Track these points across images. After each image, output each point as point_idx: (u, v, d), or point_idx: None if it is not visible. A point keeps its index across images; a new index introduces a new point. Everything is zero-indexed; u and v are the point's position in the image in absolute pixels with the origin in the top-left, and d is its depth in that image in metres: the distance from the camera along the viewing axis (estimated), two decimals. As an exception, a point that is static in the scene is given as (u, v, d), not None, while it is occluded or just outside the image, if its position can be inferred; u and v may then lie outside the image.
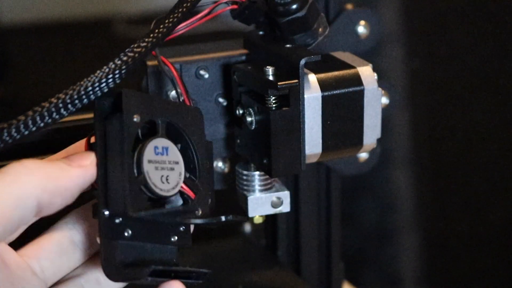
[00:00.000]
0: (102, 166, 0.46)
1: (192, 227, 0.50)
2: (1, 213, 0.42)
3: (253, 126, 0.55)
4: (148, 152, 0.46)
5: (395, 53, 1.19)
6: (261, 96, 0.53)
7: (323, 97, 0.54)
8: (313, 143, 0.55)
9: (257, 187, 0.57)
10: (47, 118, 0.45)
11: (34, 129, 0.45)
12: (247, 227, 0.72)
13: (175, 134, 0.49)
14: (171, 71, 0.51)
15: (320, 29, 0.57)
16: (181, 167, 0.48)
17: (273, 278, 0.66)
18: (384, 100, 0.63)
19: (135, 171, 0.46)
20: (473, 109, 1.22)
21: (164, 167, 0.47)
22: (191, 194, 0.49)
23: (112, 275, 0.46)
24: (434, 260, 1.24)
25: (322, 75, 0.55)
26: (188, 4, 0.51)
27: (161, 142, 0.48)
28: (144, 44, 0.49)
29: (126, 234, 0.46)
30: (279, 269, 0.67)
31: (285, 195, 0.58)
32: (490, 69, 1.21)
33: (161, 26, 0.50)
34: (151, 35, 0.49)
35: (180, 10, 0.51)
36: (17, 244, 0.48)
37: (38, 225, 0.48)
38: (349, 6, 0.61)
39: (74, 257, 0.49)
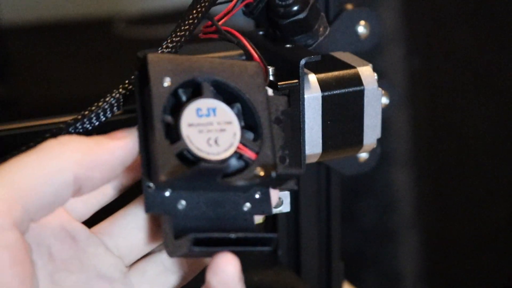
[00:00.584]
0: (143, 137, 0.44)
1: (274, 194, 0.46)
2: (34, 188, 0.41)
3: (253, 126, 0.55)
4: (188, 116, 0.44)
5: (395, 53, 1.19)
6: (261, 96, 0.53)
7: (323, 97, 0.54)
8: (313, 143, 0.54)
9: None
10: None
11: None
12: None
13: (229, 93, 0.46)
14: (235, 35, 0.49)
15: (321, 30, 0.57)
16: (235, 127, 0.45)
17: (273, 278, 0.66)
18: (384, 100, 0.63)
19: (174, 137, 0.43)
20: (473, 109, 1.22)
21: (211, 129, 0.44)
22: (250, 154, 0.45)
23: (168, 250, 0.44)
24: (434, 260, 1.24)
25: (322, 75, 0.55)
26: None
27: (206, 103, 0.45)
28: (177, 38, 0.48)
29: (179, 206, 0.44)
30: (279, 269, 0.67)
31: (285, 195, 0.58)
32: (490, 69, 1.21)
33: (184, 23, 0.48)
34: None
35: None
36: (92, 223, 0.47)
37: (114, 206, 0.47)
38: (349, 6, 0.61)
39: (152, 234, 0.47)
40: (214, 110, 0.45)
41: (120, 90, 0.47)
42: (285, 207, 0.58)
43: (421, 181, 1.23)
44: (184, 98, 0.45)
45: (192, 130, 0.44)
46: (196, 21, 0.47)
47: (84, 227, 0.46)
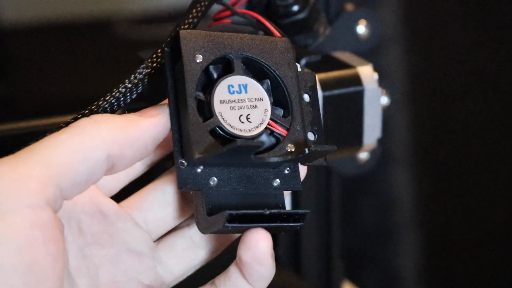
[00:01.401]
0: (174, 114, 0.44)
1: (302, 170, 0.46)
2: (68, 166, 0.41)
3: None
4: (220, 93, 0.44)
5: (395, 53, 1.19)
6: (261, 96, 0.53)
7: (323, 97, 0.54)
8: (313, 143, 0.54)
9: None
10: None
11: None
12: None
13: (259, 70, 0.46)
14: (253, 15, 0.48)
15: (321, 30, 0.57)
16: (266, 103, 0.45)
17: (273, 278, 0.66)
18: (384, 100, 0.63)
19: (206, 114, 0.43)
20: (473, 109, 1.22)
21: (242, 106, 0.44)
22: (281, 131, 0.45)
23: (200, 227, 0.44)
24: (434, 259, 1.24)
25: (323, 75, 0.55)
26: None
27: (238, 79, 0.45)
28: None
29: (211, 183, 0.43)
30: (279, 269, 0.67)
31: (285, 195, 0.58)
32: (490, 69, 1.21)
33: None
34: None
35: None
36: (121, 197, 0.47)
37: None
38: (349, 6, 0.61)
39: (180, 209, 0.47)
40: (245, 86, 0.45)
41: (144, 70, 0.46)
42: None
43: (421, 181, 1.23)
44: (215, 75, 0.45)
45: (224, 107, 0.44)
46: (196, 20, 0.47)
47: (113, 202, 0.46)
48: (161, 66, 0.45)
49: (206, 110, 0.44)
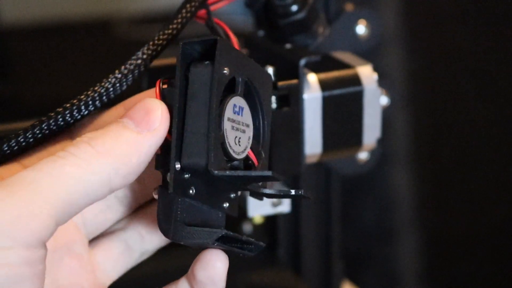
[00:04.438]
0: (180, 116, 0.42)
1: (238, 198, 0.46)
2: (70, 205, 0.40)
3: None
4: (229, 109, 0.43)
5: (395, 53, 1.19)
6: (261, 96, 0.53)
7: (323, 97, 0.54)
8: (313, 143, 0.55)
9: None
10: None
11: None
12: (247, 227, 0.72)
13: (248, 95, 0.46)
14: (223, 27, 0.48)
15: (320, 29, 0.57)
16: (251, 130, 0.45)
17: (273, 278, 0.66)
18: (384, 100, 0.63)
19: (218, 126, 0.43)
20: (473, 109, 1.22)
21: (238, 128, 0.44)
22: (255, 161, 0.45)
23: (169, 233, 0.43)
24: (434, 259, 1.24)
25: (322, 75, 0.55)
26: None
27: (239, 101, 0.44)
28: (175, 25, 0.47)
29: (190, 191, 0.43)
30: (279, 269, 0.67)
31: (285, 195, 0.58)
32: (490, 69, 1.21)
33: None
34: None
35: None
36: None
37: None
38: (349, 6, 0.61)
39: (118, 211, 0.47)
40: (242, 110, 0.45)
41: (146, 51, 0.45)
42: (285, 207, 0.59)
43: (421, 181, 1.23)
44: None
45: (228, 125, 0.44)
46: (185, 20, 0.47)
47: None
48: (153, 58, 0.45)
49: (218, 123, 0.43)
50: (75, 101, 0.44)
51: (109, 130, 0.42)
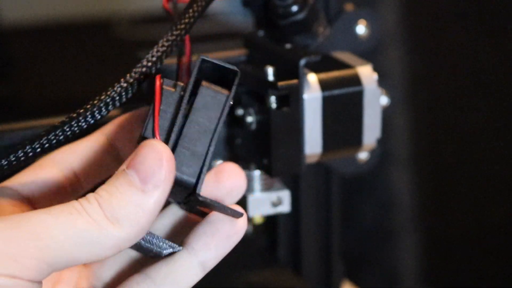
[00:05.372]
0: (176, 123, 0.43)
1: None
2: (63, 254, 0.40)
3: (253, 126, 0.55)
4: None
5: (395, 53, 1.19)
6: (261, 96, 0.54)
7: (323, 97, 0.54)
8: (313, 143, 0.55)
9: (257, 187, 0.57)
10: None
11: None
12: (247, 227, 0.72)
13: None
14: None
15: (320, 30, 0.57)
16: None
17: (273, 278, 0.66)
18: (384, 100, 0.63)
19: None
20: (473, 109, 1.22)
21: None
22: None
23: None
24: (434, 259, 1.24)
25: (322, 75, 0.55)
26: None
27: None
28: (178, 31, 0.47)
29: None
30: (279, 269, 0.67)
31: (285, 195, 0.58)
32: (490, 69, 1.21)
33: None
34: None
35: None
36: None
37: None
38: (349, 6, 0.61)
39: None
40: None
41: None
42: (285, 207, 0.59)
43: (421, 181, 1.23)
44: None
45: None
46: (193, 20, 0.47)
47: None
48: (157, 70, 0.45)
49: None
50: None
51: (116, 189, 0.41)
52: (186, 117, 0.43)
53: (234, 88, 0.43)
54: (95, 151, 0.48)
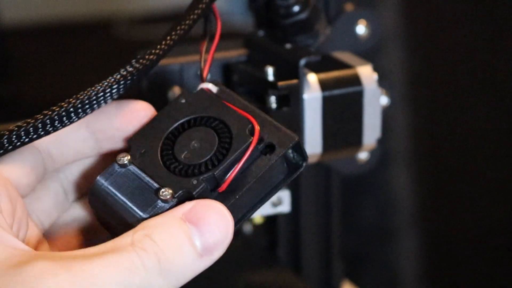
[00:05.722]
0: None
1: None
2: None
3: (253, 126, 0.55)
4: None
5: (395, 53, 1.19)
6: (261, 96, 0.54)
7: (323, 97, 0.54)
8: (313, 143, 0.55)
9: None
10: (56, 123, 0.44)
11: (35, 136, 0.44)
12: (247, 227, 0.72)
13: None
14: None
15: (321, 30, 0.57)
16: None
17: (273, 278, 0.66)
18: (384, 100, 0.63)
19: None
20: (473, 109, 1.22)
21: None
22: None
23: None
24: (434, 259, 1.24)
25: (322, 75, 0.55)
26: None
27: None
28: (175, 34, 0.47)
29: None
30: (279, 269, 0.67)
31: (285, 195, 0.58)
32: (490, 69, 1.21)
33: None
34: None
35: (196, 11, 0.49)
36: None
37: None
38: (349, 6, 0.61)
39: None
40: None
41: None
42: (285, 207, 0.59)
43: (421, 181, 1.23)
44: None
45: None
46: (196, 17, 0.47)
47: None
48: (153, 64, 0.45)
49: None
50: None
51: (174, 241, 0.40)
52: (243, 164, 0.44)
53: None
54: (73, 135, 0.49)
